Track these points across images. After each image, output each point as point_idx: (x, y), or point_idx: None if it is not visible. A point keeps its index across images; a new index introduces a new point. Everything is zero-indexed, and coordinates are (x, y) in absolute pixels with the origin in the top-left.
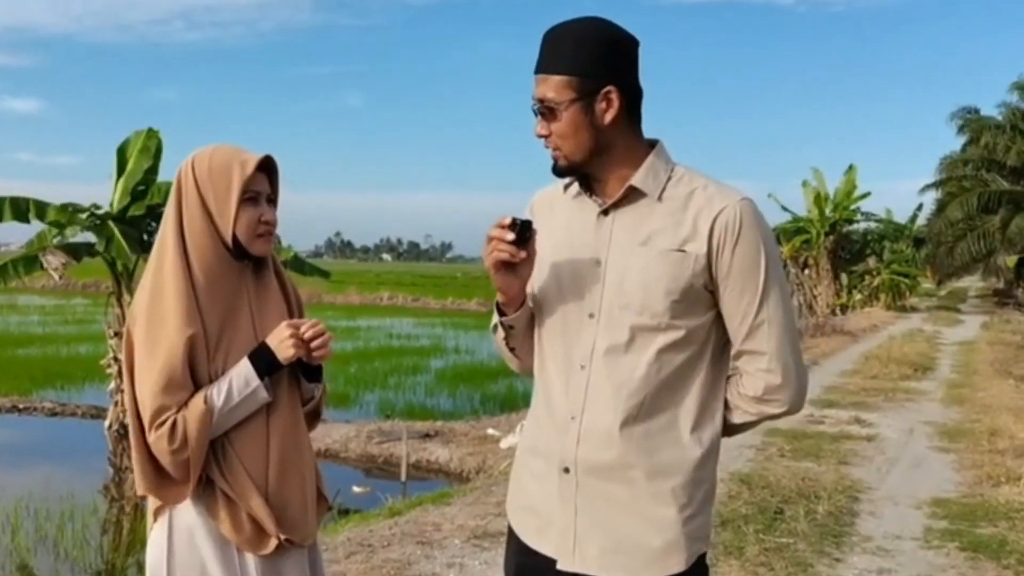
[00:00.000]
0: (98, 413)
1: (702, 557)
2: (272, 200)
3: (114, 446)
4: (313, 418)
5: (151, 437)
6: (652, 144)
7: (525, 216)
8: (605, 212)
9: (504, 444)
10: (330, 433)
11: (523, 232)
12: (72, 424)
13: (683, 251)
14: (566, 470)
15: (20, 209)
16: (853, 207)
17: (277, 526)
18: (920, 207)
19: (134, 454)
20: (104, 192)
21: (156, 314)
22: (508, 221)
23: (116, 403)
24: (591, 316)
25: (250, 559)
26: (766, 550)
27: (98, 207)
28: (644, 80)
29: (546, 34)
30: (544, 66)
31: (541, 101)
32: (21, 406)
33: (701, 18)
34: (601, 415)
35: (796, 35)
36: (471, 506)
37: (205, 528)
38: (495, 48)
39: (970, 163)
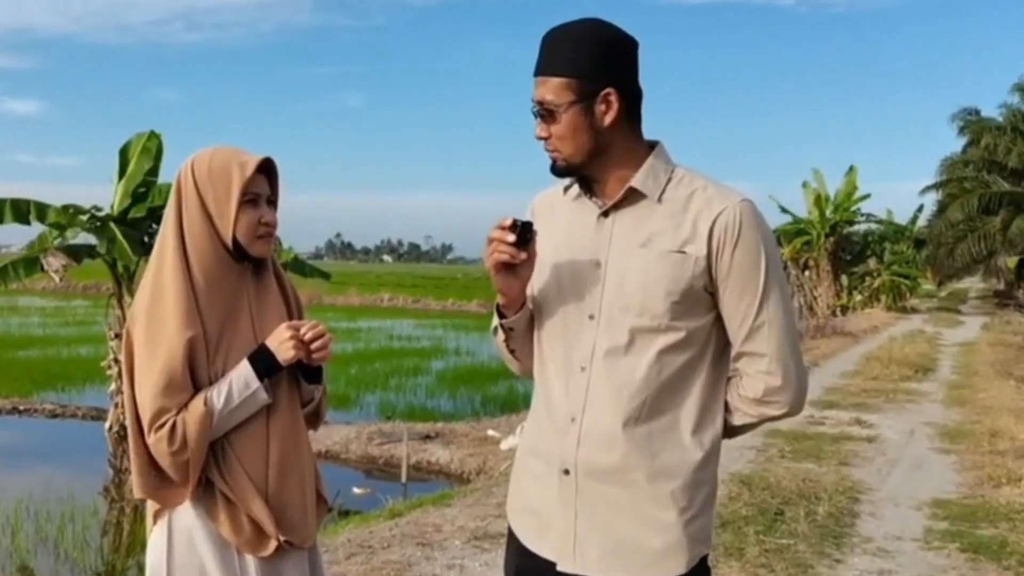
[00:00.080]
0: (98, 415)
1: (704, 559)
2: (272, 202)
3: (114, 448)
4: (314, 419)
5: (151, 439)
6: (652, 145)
7: (526, 218)
8: (605, 214)
9: (504, 445)
10: (331, 434)
11: (523, 233)
12: (72, 426)
13: (683, 253)
14: (566, 472)
15: (21, 211)
16: (853, 208)
17: (277, 528)
18: (921, 208)
19: (132, 456)
20: (104, 193)
21: (156, 316)
22: (508, 222)
23: (116, 405)
24: (591, 318)
25: (250, 561)
26: (766, 551)
27: (99, 209)
28: (644, 81)
29: (545, 36)
30: (543, 68)
31: (540, 103)
32: (22, 408)
33: (701, 18)
34: (601, 417)
35: (796, 36)
36: (471, 507)
37: (205, 530)
38: (495, 49)
39: (971, 164)
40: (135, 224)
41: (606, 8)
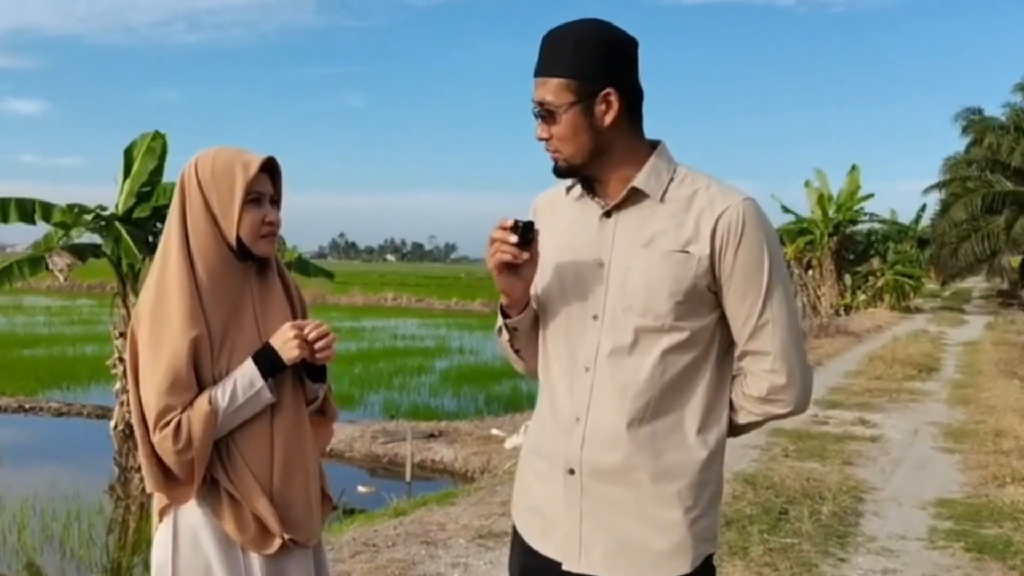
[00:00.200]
0: (104, 413)
1: (709, 558)
2: (275, 201)
3: (120, 446)
4: (321, 417)
5: (156, 437)
6: (654, 145)
7: (528, 218)
8: (607, 214)
9: (508, 444)
10: (335, 433)
11: (525, 233)
12: (78, 424)
13: (686, 252)
14: (571, 472)
15: (26, 210)
16: (856, 208)
17: (281, 526)
18: (924, 208)
19: (141, 453)
20: (108, 193)
21: (160, 315)
22: (510, 223)
23: (122, 403)
24: (595, 318)
25: (254, 559)
26: (770, 550)
27: (104, 208)
28: (645, 81)
29: (545, 37)
30: (543, 69)
31: (540, 104)
32: (27, 406)
33: (701, 18)
34: (606, 417)
35: (797, 36)
36: (475, 506)
37: (210, 528)
38: (496, 49)
39: (974, 164)
40: (140, 223)
41: (606, 8)
